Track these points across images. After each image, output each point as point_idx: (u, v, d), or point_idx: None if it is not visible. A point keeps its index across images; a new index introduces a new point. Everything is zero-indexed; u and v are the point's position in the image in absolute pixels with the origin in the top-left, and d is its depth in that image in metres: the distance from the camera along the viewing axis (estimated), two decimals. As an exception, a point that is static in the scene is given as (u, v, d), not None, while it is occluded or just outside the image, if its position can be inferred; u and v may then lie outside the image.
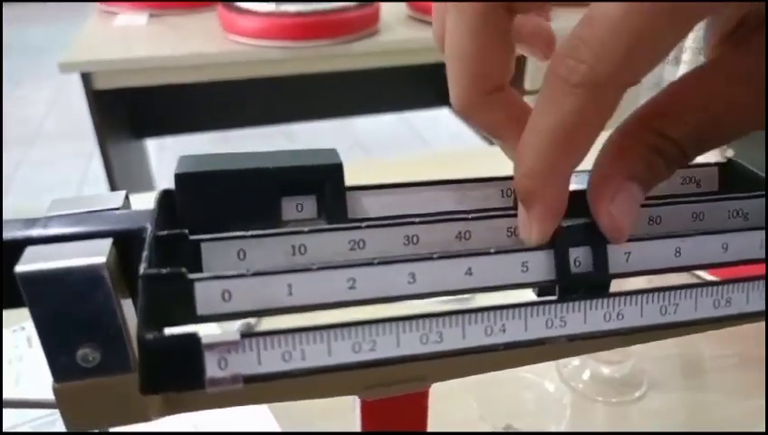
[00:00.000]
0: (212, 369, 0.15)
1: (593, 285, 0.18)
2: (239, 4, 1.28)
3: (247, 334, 0.15)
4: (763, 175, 0.23)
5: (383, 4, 1.36)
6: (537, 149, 0.16)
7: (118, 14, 1.39)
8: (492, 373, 0.20)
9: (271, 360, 0.16)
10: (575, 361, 0.48)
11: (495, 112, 0.19)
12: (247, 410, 0.44)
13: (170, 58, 1.17)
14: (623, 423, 0.44)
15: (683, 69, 0.59)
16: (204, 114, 1.70)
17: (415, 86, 1.89)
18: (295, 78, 1.32)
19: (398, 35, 1.35)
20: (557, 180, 0.17)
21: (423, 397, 0.21)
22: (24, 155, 2.27)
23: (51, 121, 2.53)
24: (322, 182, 0.19)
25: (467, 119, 0.20)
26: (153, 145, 1.83)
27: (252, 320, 0.41)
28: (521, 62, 1.43)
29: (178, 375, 0.15)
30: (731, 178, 0.23)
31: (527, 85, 1.48)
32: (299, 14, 1.25)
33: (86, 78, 1.12)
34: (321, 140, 2.35)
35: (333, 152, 0.20)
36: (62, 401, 0.17)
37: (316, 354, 0.16)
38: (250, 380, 0.15)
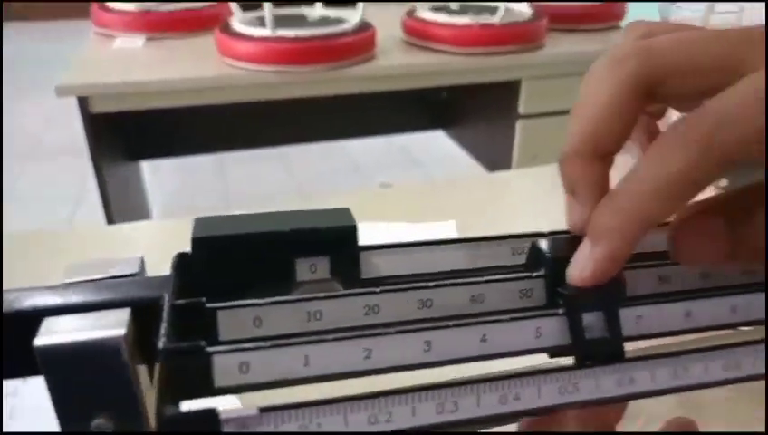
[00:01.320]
0: (230, 443, 0.15)
1: (609, 351, 0.18)
2: (236, 28, 1.29)
3: (265, 409, 0.15)
4: None
5: (379, 30, 1.38)
6: (635, 196, 0.17)
7: (115, 37, 1.39)
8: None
9: (288, 433, 0.16)
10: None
11: (589, 173, 0.19)
12: None
13: (166, 82, 1.18)
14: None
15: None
16: (199, 137, 1.70)
17: (410, 110, 1.90)
18: (291, 101, 1.33)
19: (394, 60, 1.36)
20: (641, 227, 0.17)
21: None
22: (22, 169, 2.27)
23: (49, 137, 2.53)
24: (336, 244, 0.19)
25: (565, 166, 0.20)
26: (148, 166, 1.83)
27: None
28: (516, 85, 1.45)
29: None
30: None
31: (521, 109, 1.50)
32: (296, 39, 1.26)
33: (82, 102, 1.12)
34: (317, 163, 2.36)
35: (347, 212, 0.20)
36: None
37: (333, 426, 0.16)
38: (267, 454, 0.15)
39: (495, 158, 1.60)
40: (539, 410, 0.17)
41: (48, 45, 3.39)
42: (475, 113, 1.77)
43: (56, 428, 0.17)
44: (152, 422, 0.17)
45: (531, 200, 0.72)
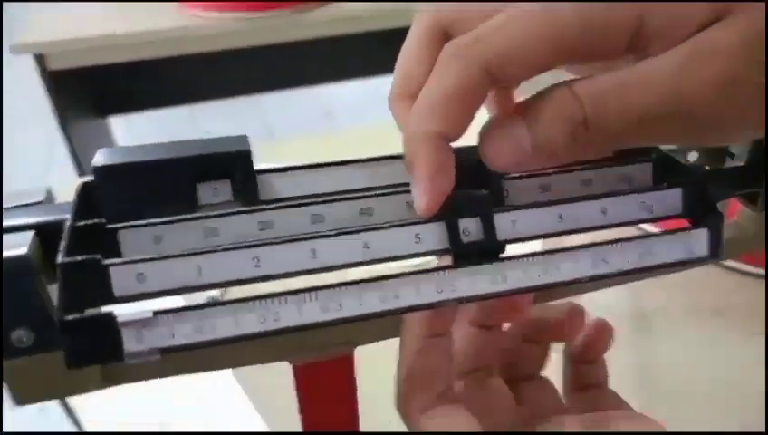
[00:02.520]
0: (129, 343, 0.17)
1: (485, 252, 0.20)
2: (194, -25, 1.26)
3: (159, 311, 0.17)
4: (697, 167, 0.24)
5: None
6: (417, 114, 0.18)
7: (69, -10, 1.35)
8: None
9: (183, 333, 0.17)
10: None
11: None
12: (235, 409, 0.46)
13: (123, 36, 1.16)
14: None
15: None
16: (167, 89, 1.67)
17: (377, 52, 1.88)
18: (256, 49, 1.31)
19: (356, 2, 1.34)
20: (432, 145, 0.18)
21: (349, 361, 0.23)
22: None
23: (10, 107, 2.47)
24: (233, 168, 0.21)
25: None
26: (119, 121, 1.80)
27: (217, 292, 0.43)
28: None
29: (99, 350, 0.17)
30: (664, 174, 0.24)
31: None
32: (254, -16, 1.23)
33: (40, 59, 1.10)
34: (290, 109, 2.34)
35: (243, 139, 0.21)
36: (4, 380, 0.19)
37: (225, 326, 0.18)
38: (166, 351, 0.17)
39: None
40: (418, 308, 0.19)
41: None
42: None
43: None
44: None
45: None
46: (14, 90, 2.50)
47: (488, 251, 0.20)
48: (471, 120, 0.19)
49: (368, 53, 1.85)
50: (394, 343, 0.23)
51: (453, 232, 0.20)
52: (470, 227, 0.20)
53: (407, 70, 0.23)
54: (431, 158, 0.18)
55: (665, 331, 0.51)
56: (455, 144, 0.19)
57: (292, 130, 2.24)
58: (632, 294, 0.53)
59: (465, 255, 0.20)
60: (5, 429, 0.41)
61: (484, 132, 0.19)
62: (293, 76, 1.75)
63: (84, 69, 1.20)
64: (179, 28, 1.19)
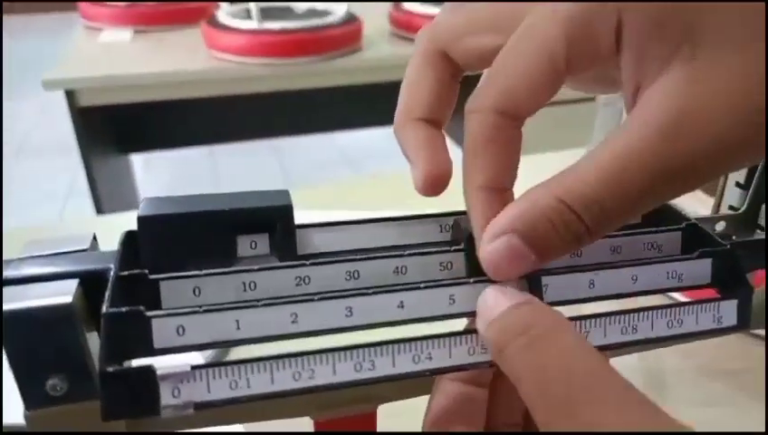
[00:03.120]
0: (166, 397, 0.17)
1: None
2: (222, 20, 1.30)
3: (197, 366, 0.17)
4: (725, 237, 0.25)
5: (366, 22, 1.39)
6: (464, 171, 0.20)
7: (102, 29, 1.40)
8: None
9: (219, 388, 0.17)
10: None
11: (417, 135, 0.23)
12: None
13: (154, 75, 1.19)
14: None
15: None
16: (190, 129, 1.71)
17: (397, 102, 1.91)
18: (282, 93, 1.35)
19: (381, 52, 1.38)
20: (480, 198, 0.20)
21: (371, 417, 0.23)
22: (10, 169, 2.27)
23: (37, 136, 2.53)
24: (274, 222, 0.21)
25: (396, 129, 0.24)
26: (139, 160, 1.84)
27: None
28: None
29: (136, 403, 0.17)
30: (692, 242, 0.24)
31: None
32: (282, 31, 1.27)
33: (70, 95, 1.13)
34: (308, 155, 2.37)
35: (285, 194, 0.22)
36: (32, 427, 0.19)
37: (260, 383, 0.18)
38: (200, 406, 0.17)
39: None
40: (449, 369, 0.19)
41: (33, 42, 3.38)
42: (463, 104, 1.78)
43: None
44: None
45: (518, 190, 0.74)
46: (41, 120, 2.56)
47: None
48: (512, 161, 0.20)
49: (385, 102, 1.88)
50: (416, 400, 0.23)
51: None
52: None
53: (409, 95, 0.23)
54: (481, 212, 0.19)
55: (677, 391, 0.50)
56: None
57: (309, 175, 2.26)
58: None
59: None
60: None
61: (483, 247, 0.19)
62: (314, 121, 1.78)
63: (111, 106, 1.23)
64: (208, 70, 1.22)
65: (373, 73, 1.39)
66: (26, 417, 0.19)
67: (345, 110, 1.79)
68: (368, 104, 1.83)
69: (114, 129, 1.51)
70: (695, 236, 0.23)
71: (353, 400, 0.22)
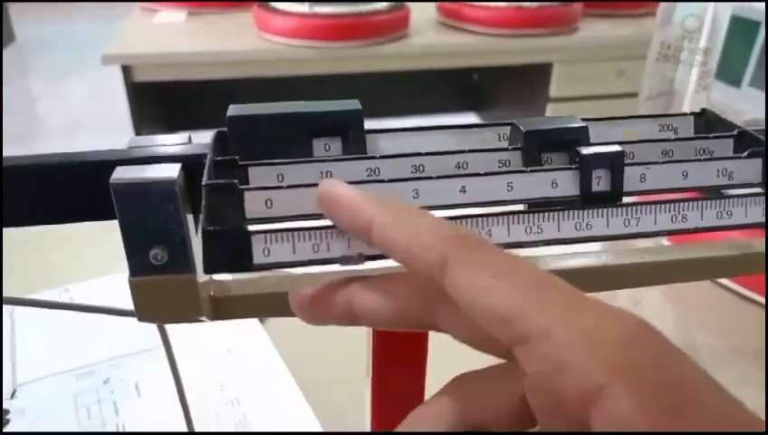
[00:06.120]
0: (258, 256, 0.20)
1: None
2: (274, 4, 1.34)
3: (284, 229, 0.20)
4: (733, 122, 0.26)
5: (414, 9, 1.40)
6: None
7: (158, 11, 1.46)
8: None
9: (303, 250, 0.20)
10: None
11: None
12: (260, 356, 0.49)
13: (206, 54, 1.23)
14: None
15: (682, 68, 0.61)
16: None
17: (442, 91, 1.92)
18: (326, 77, 1.37)
19: (428, 39, 1.39)
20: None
21: (423, 338, 0.25)
22: (67, 145, 2.38)
23: (91, 114, 2.63)
24: (346, 126, 0.23)
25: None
26: (184, 139, 1.89)
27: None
28: (548, 68, 1.46)
29: (233, 258, 0.19)
30: (705, 126, 0.26)
31: (552, 92, 1.50)
32: (331, 15, 1.30)
33: (126, 70, 1.18)
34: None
35: (355, 102, 0.24)
36: (135, 293, 0.21)
37: (340, 247, 0.20)
38: (286, 266, 0.20)
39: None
40: (557, 241, 0.22)
41: (91, 25, 3.50)
42: (507, 96, 1.78)
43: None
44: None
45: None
46: (99, 94, 2.65)
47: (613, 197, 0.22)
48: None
49: (429, 90, 1.89)
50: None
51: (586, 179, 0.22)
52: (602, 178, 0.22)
53: None
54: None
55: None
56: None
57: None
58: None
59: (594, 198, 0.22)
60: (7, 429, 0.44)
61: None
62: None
63: (164, 84, 1.28)
64: (258, 51, 1.26)
65: (418, 60, 1.40)
66: (131, 283, 0.21)
67: (389, 98, 1.80)
68: (411, 94, 1.84)
69: (165, 107, 1.56)
70: (746, 143, 0.24)
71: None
